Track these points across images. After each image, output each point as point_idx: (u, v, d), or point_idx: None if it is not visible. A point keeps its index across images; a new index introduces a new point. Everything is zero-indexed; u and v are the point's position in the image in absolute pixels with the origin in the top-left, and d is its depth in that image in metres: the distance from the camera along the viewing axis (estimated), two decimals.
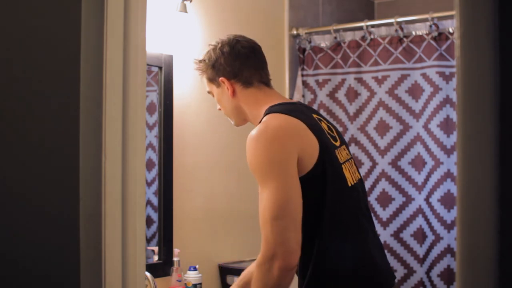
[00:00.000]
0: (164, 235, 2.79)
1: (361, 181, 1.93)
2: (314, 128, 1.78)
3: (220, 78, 1.93)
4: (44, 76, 1.19)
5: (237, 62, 1.93)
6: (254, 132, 1.76)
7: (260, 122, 1.82)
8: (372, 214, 3.35)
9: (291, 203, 1.68)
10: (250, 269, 1.99)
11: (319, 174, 1.73)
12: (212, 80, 1.96)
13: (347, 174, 1.82)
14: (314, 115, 1.88)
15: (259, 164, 1.72)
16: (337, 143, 1.87)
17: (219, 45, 1.96)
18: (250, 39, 1.99)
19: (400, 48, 3.28)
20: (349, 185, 1.81)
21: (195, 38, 2.94)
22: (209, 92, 2.02)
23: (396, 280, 1.99)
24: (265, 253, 1.67)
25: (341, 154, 1.85)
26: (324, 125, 1.87)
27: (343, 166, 1.82)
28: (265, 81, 1.95)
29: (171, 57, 2.83)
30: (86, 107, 1.13)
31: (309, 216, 1.73)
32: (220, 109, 2.03)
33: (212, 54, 1.95)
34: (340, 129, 3.39)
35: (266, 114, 1.82)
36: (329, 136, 1.84)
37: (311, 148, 1.74)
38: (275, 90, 1.98)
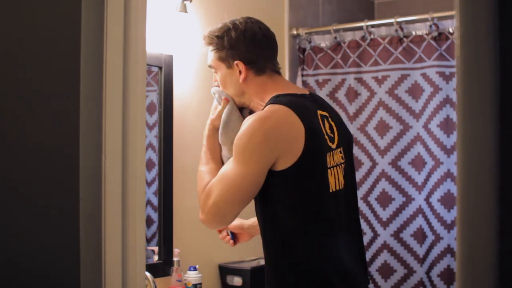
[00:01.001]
0: (164, 235, 2.79)
1: (350, 187, 1.91)
2: (310, 128, 1.77)
3: (236, 62, 1.90)
4: (44, 76, 1.19)
5: (256, 50, 1.92)
6: (252, 117, 1.80)
7: (263, 109, 1.84)
8: (372, 214, 3.35)
9: (238, 193, 1.79)
10: None
11: (299, 174, 1.77)
12: (223, 59, 1.92)
13: (331, 180, 1.81)
14: (320, 111, 1.87)
15: (240, 145, 1.78)
16: (333, 145, 1.84)
17: (241, 27, 1.92)
18: (266, 25, 1.99)
19: (400, 48, 3.28)
20: (331, 190, 1.80)
21: (195, 38, 2.94)
22: (210, 66, 1.98)
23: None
24: (201, 198, 1.82)
25: (332, 158, 1.83)
26: (326, 124, 1.86)
27: (329, 170, 1.80)
28: (277, 70, 1.97)
29: (171, 57, 2.83)
30: (86, 107, 1.13)
31: (285, 214, 1.79)
32: (216, 86, 2.00)
33: (232, 35, 1.91)
34: None
35: (270, 102, 1.82)
36: (326, 137, 1.82)
37: (296, 148, 1.75)
38: (284, 78, 1.99)
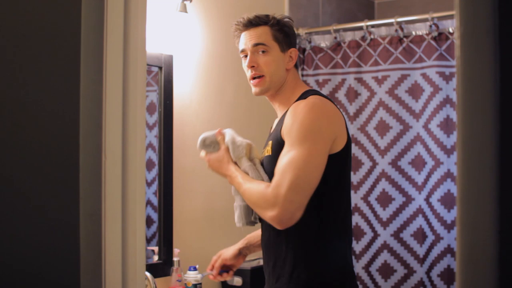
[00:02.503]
0: (164, 235, 2.79)
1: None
2: (344, 119, 1.91)
3: (293, 49, 1.98)
4: (44, 76, 1.19)
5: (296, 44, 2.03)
6: (308, 101, 1.83)
7: (298, 99, 1.89)
8: (372, 214, 3.36)
9: (315, 175, 1.76)
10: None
11: (346, 158, 1.87)
12: (280, 42, 1.96)
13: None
14: None
15: (304, 126, 1.78)
16: None
17: (289, 21, 2.03)
18: None
19: (400, 48, 3.28)
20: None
21: (195, 38, 2.94)
22: (259, 44, 1.94)
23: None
24: (271, 197, 1.74)
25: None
26: None
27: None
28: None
29: (171, 57, 2.83)
30: (86, 107, 1.13)
31: (334, 195, 1.86)
32: (252, 67, 1.94)
33: (290, 25, 2.01)
34: None
35: (310, 94, 1.89)
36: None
37: (344, 134, 1.86)
38: None
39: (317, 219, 1.81)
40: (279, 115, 1.99)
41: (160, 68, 2.80)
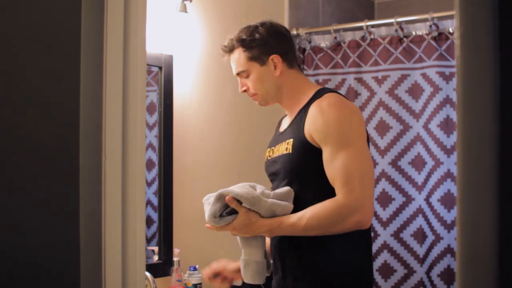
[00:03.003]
0: (164, 235, 2.79)
1: None
2: None
3: (272, 56, 1.94)
4: (44, 76, 1.19)
5: (285, 43, 1.98)
6: (331, 99, 1.84)
7: (312, 98, 1.89)
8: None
9: (372, 168, 1.82)
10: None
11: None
12: (256, 58, 1.95)
13: None
14: None
15: (343, 126, 1.80)
16: None
17: (266, 24, 1.98)
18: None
19: (400, 48, 3.28)
20: None
21: (195, 38, 2.94)
22: (239, 73, 1.98)
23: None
24: (349, 202, 1.73)
25: None
26: None
27: None
28: (300, 67, 2.04)
29: (171, 57, 2.83)
30: (86, 107, 1.13)
31: None
32: (244, 91, 2.00)
33: (261, 32, 1.95)
34: None
35: (325, 92, 1.89)
36: None
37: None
38: None
39: None
40: (291, 115, 1.99)
41: (160, 68, 2.80)
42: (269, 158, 2.02)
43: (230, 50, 1.98)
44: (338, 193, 1.75)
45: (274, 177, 1.97)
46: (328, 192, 1.79)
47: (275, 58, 1.94)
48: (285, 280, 1.88)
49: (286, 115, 2.12)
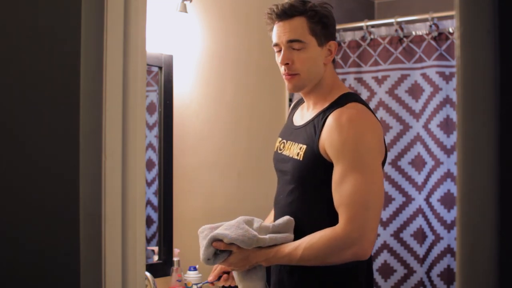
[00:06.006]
0: (164, 235, 2.79)
1: None
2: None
3: (332, 41, 1.82)
4: (44, 76, 1.19)
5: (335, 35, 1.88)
6: (351, 112, 1.73)
7: (334, 103, 1.79)
8: None
9: (381, 196, 1.70)
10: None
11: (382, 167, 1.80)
12: (317, 35, 1.79)
13: None
14: None
15: (359, 146, 1.69)
16: None
17: (331, 10, 1.84)
18: None
19: (400, 48, 3.28)
20: None
21: (195, 38, 2.94)
22: (294, 41, 1.77)
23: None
24: (348, 234, 1.65)
25: None
26: None
27: None
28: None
29: (171, 57, 2.83)
30: (86, 107, 1.13)
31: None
32: (286, 64, 1.79)
33: (332, 15, 1.83)
34: None
35: (349, 100, 1.79)
36: None
37: (384, 147, 1.80)
38: None
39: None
40: (313, 111, 1.87)
41: (160, 68, 2.80)
42: (279, 151, 1.94)
43: (293, 14, 1.78)
44: (339, 220, 1.68)
45: (282, 175, 1.91)
46: (330, 206, 1.73)
47: (333, 45, 1.82)
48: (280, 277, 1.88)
49: (302, 102, 1.99)
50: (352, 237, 1.65)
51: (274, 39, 1.82)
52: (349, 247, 1.66)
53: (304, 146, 1.79)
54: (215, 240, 1.79)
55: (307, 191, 1.80)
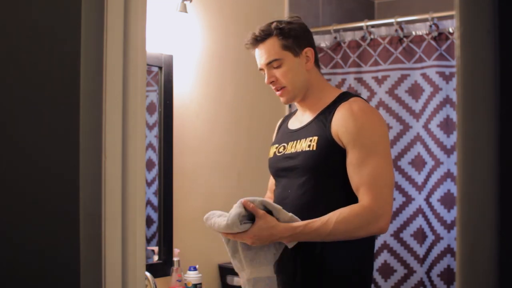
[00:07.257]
0: (164, 235, 2.79)
1: None
2: None
3: (307, 48, 1.96)
4: (44, 76, 1.19)
5: (312, 39, 2.01)
6: (361, 103, 1.89)
7: (338, 98, 1.93)
8: None
9: (394, 177, 1.88)
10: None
11: None
12: (290, 48, 1.94)
13: None
14: None
15: (375, 132, 1.86)
16: None
17: (298, 21, 1.99)
18: None
19: (400, 48, 3.28)
20: None
21: (195, 38, 2.94)
22: (271, 62, 1.94)
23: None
24: (376, 208, 1.78)
25: None
26: None
27: None
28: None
29: (171, 57, 2.83)
30: (86, 107, 1.13)
31: None
32: (272, 82, 1.96)
33: (295, 25, 1.96)
34: None
35: (351, 96, 1.93)
36: None
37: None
38: None
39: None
40: (311, 113, 1.97)
41: (160, 68, 2.80)
42: (278, 154, 2.01)
43: (263, 38, 1.94)
44: (362, 198, 1.79)
45: (286, 173, 1.96)
46: (344, 192, 1.84)
47: (308, 52, 1.96)
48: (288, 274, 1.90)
49: (291, 115, 2.12)
50: (378, 212, 1.78)
51: (258, 64, 2.00)
52: (376, 221, 1.79)
53: (316, 137, 1.89)
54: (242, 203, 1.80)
55: (321, 179, 1.88)
